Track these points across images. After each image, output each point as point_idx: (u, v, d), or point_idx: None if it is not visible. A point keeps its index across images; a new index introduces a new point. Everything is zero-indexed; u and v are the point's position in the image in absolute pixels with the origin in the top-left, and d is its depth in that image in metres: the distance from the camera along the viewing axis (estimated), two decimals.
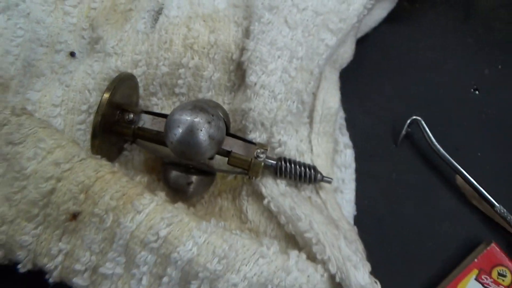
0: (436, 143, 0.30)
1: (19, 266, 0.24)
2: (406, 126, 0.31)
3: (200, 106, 0.25)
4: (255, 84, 0.29)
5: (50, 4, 0.32)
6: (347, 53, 0.32)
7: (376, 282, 0.23)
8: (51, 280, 0.25)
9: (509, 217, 0.29)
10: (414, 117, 0.31)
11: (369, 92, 0.33)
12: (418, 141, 0.32)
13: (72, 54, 0.32)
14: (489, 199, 0.29)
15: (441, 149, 0.30)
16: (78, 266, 0.24)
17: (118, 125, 0.27)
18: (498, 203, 0.29)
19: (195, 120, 0.24)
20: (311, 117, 0.30)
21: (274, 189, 0.27)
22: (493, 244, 0.29)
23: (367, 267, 0.23)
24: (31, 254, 0.24)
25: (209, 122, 0.25)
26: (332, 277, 0.23)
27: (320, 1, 0.30)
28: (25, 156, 0.24)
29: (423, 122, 0.31)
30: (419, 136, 0.32)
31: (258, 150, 0.27)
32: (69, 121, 0.29)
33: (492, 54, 0.34)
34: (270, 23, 0.30)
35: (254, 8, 0.30)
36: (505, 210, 0.29)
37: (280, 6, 0.30)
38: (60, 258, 0.24)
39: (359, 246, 0.25)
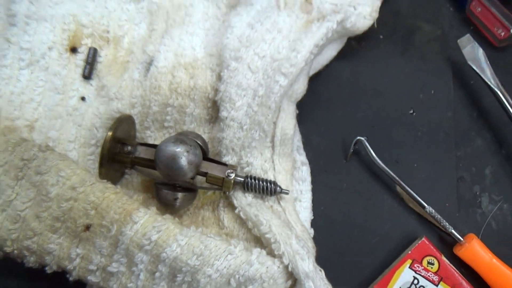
0: (377, 158, 0.37)
1: (47, 268, 0.32)
2: (352, 145, 0.38)
3: (181, 139, 0.33)
4: (226, 118, 0.36)
5: (64, 59, 0.40)
6: (300, 88, 0.39)
7: (320, 270, 0.30)
8: (71, 279, 0.32)
9: (436, 216, 0.36)
10: (358, 137, 0.38)
11: (323, 118, 0.40)
12: (364, 157, 0.39)
13: (83, 99, 0.39)
14: (421, 202, 0.36)
15: (381, 163, 0.37)
16: (91, 267, 0.31)
17: (119, 156, 0.35)
18: (428, 205, 0.36)
19: (176, 150, 0.32)
20: (272, 141, 0.37)
21: (243, 200, 0.35)
22: (423, 239, 0.35)
23: (312, 258, 0.30)
24: (55, 258, 0.32)
25: (187, 151, 0.32)
26: (285, 267, 0.30)
27: (275, 50, 0.38)
28: (49, 183, 0.32)
29: (365, 142, 0.37)
30: (365, 153, 0.38)
31: (229, 170, 0.34)
32: (81, 153, 0.37)
33: (426, 81, 0.41)
34: (236, 70, 0.37)
35: (223, 58, 0.38)
36: (433, 210, 0.36)
37: (244, 55, 0.37)
38: (77, 260, 0.31)
39: (309, 243, 0.32)
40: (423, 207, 0.36)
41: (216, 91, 0.38)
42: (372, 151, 0.37)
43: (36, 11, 0.41)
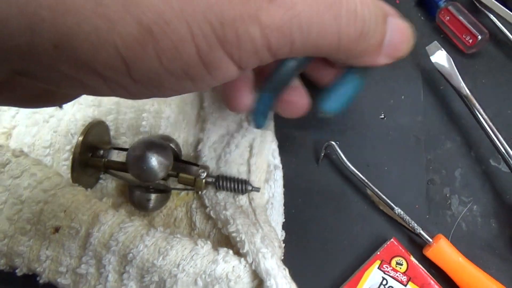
0: (347, 161, 0.38)
1: (17, 270, 0.32)
2: (323, 149, 0.39)
3: (151, 141, 0.34)
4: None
5: None
6: None
7: (284, 269, 0.30)
8: (41, 281, 0.32)
9: (405, 218, 0.36)
10: (329, 142, 0.39)
11: (295, 123, 0.41)
12: (335, 160, 0.40)
13: (60, 106, 0.40)
14: (390, 204, 0.37)
15: (351, 166, 0.38)
16: (61, 268, 0.32)
17: (92, 160, 0.35)
18: (398, 207, 0.37)
19: (146, 151, 0.33)
20: (251, 145, 0.38)
21: (214, 200, 0.35)
22: (392, 240, 0.36)
23: (276, 257, 0.31)
24: (25, 260, 0.32)
25: (157, 152, 0.33)
26: (251, 266, 0.31)
27: None
28: (22, 186, 0.32)
29: (336, 146, 0.38)
30: (336, 157, 0.39)
31: (200, 170, 0.35)
32: (56, 159, 0.38)
33: (396, 87, 0.42)
34: None
35: None
36: (402, 212, 0.36)
37: None
38: (47, 263, 0.32)
39: (275, 243, 0.33)
40: (392, 208, 0.37)
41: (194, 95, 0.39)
42: (342, 155, 0.38)
43: None
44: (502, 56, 0.44)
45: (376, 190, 0.37)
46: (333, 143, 0.38)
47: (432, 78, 0.43)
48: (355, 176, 0.38)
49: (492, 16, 0.45)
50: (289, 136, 0.41)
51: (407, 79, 0.43)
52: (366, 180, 0.37)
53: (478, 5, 0.46)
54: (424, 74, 0.43)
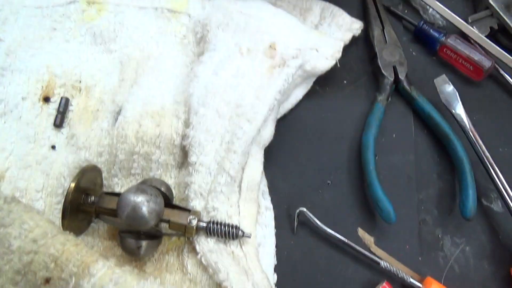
0: (323, 226, 0.38)
1: None
2: (296, 217, 0.38)
3: (141, 188, 0.34)
4: (195, 162, 0.37)
5: (37, 109, 0.42)
6: (268, 134, 0.40)
7: None
8: None
9: (393, 269, 0.36)
10: (300, 209, 0.38)
11: (287, 162, 0.41)
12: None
13: (53, 147, 0.41)
14: (375, 258, 0.37)
15: (327, 229, 0.38)
16: None
17: (83, 206, 0.36)
18: (383, 260, 0.37)
19: (137, 200, 0.33)
20: (239, 187, 0.38)
21: (205, 246, 0.35)
22: (384, 283, 0.36)
23: None
24: None
25: (148, 201, 0.33)
26: None
27: (240, 96, 0.39)
28: (12, 236, 0.32)
29: (308, 212, 0.38)
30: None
31: (191, 217, 0.35)
32: (48, 203, 0.38)
33: (387, 125, 0.42)
34: (204, 116, 0.38)
35: (191, 105, 0.39)
36: (388, 264, 0.36)
37: (211, 102, 0.39)
38: None
39: None
40: (378, 263, 0.36)
41: (183, 137, 0.39)
42: (316, 220, 0.38)
43: (12, 62, 0.42)
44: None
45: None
46: (304, 210, 0.38)
47: (423, 115, 0.43)
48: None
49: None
50: (280, 176, 0.41)
51: (398, 117, 0.43)
52: (347, 241, 0.37)
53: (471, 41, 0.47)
54: (415, 112, 0.44)
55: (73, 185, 0.34)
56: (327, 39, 0.44)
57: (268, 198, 0.39)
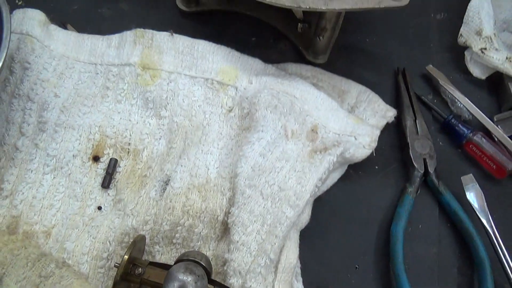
0: None
1: None
2: None
3: (190, 269, 0.36)
4: (237, 241, 0.39)
5: (87, 167, 0.44)
6: (305, 217, 0.43)
7: None
8: None
9: None
10: None
11: (320, 245, 0.43)
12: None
13: (99, 208, 0.42)
14: None
15: None
16: None
17: (130, 276, 0.37)
18: None
19: (185, 280, 0.35)
20: (276, 267, 0.40)
21: None
22: None
23: None
24: None
25: (196, 282, 0.35)
26: None
27: (283, 179, 0.42)
28: None
29: None
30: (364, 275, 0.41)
31: None
32: (93, 266, 0.39)
33: (414, 214, 0.45)
34: (249, 197, 0.41)
35: (238, 185, 0.41)
36: None
37: (257, 183, 0.41)
38: None
39: None
40: None
41: (227, 213, 0.41)
42: None
43: (66, 119, 0.44)
44: None
45: None
46: None
47: (449, 208, 0.46)
48: None
49: None
50: (314, 260, 0.43)
51: (425, 208, 0.46)
52: None
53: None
54: (441, 204, 0.46)
55: (126, 257, 0.36)
56: (364, 126, 0.46)
57: (300, 280, 0.41)
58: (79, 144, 0.44)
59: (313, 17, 0.49)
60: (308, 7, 0.41)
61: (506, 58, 0.52)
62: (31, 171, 0.42)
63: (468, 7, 0.56)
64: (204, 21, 0.56)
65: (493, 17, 0.55)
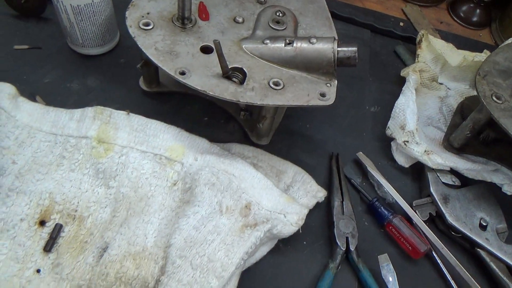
0: None
1: None
2: None
3: None
4: None
5: (32, 231, 0.47)
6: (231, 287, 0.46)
7: None
8: None
9: None
10: None
11: None
12: None
13: (38, 271, 0.45)
14: None
15: None
16: None
17: None
18: None
19: None
20: None
21: None
22: None
23: None
24: None
25: None
26: None
27: (212, 251, 0.46)
28: None
29: None
30: None
31: None
32: None
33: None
34: (179, 267, 0.44)
35: (169, 255, 0.45)
36: None
37: (187, 254, 0.45)
38: None
39: None
40: None
41: (157, 281, 0.44)
42: None
43: (19, 185, 0.48)
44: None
45: None
46: None
47: (366, 286, 0.50)
48: None
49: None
50: None
51: (345, 284, 0.50)
52: None
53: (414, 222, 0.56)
54: (360, 281, 0.51)
55: None
56: (294, 205, 0.52)
57: None
58: (28, 209, 0.47)
59: (254, 108, 0.57)
60: (246, 101, 0.48)
61: (425, 151, 0.59)
62: None
63: (395, 104, 0.64)
64: (163, 100, 0.63)
65: (417, 114, 0.63)
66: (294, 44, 0.52)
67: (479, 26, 0.90)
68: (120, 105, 0.56)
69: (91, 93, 0.61)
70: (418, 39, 0.75)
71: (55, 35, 0.65)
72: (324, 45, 0.52)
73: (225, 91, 0.48)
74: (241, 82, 0.50)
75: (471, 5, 0.89)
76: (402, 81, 0.69)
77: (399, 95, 0.65)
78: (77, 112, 0.54)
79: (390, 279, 0.49)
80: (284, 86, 0.50)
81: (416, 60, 0.73)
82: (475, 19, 0.89)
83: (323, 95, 0.51)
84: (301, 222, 0.50)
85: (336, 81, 0.53)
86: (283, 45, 0.52)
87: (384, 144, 0.65)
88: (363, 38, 0.80)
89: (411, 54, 0.78)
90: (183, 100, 0.63)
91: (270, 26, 0.55)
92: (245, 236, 0.47)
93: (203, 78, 0.49)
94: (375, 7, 0.88)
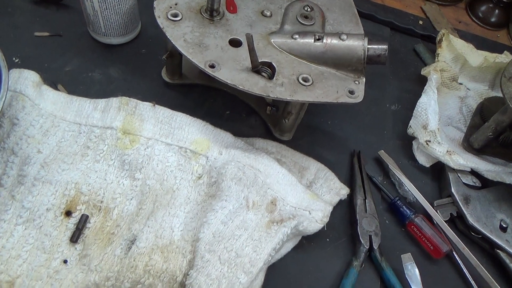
0: None
1: None
2: None
3: None
4: None
5: (58, 221, 0.46)
6: (258, 284, 0.46)
7: None
8: None
9: None
10: None
11: None
12: None
13: (65, 262, 0.45)
14: None
15: None
16: None
17: None
18: None
19: None
20: None
21: None
22: None
23: None
24: None
25: None
26: None
27: (240, 246, 0.45)
28: None
29: None
30: None
31: None
32: None
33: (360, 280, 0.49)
34: (208, 261, 0.44)
35: (198, 249, 0.45)
36: None
37: (216, 249, 0.45)
38: None
39: None
40: None
41: (185, 275, 0.44)
42: None
43: (45, 175, 0.48)
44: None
45: None
46: None
47: (389, 284, 0.50)
48: None
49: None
50: None
51: (368, 281, 0.50)
52: None
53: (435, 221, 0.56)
54: (383, 280, 0.51)
55: None
56: (319, 202, 0.52)
57: None
58: (54, 198, 0.47)
59: (281, 103, 0.56)
60: (275, 96, 0.48)
61: (447, 151, 0.59)
62: (4, 221, 0.45)
63: (417, 103, 0.64)
64: (185, 92, 0.62)
65: (438, 113, 0.63)
66: (324, 40, 0.51)
67: (497, 27, 0.89)
68: (142, 96, 0.55)
69: (113, 83, 0.61)
70: (438, 38, 0.75)
71: (75, 23, 0.64)
72: (355, 42, 0.51)
73: (255, 85, 0.48)
74: (270, 77, 0.50)
75: (490, 5, 0.89)
76: (421, 79, 0.69)
77: (418, 94, 0.65)
78: (102, 102, 0.54)
79: (414, 278, 0.49)
80: (313, 82, 0.50)
81: (436, 59, 0.73)
82: (493, 19, 0.89)
83: (351, 92, 0.51)
84: (326, 219, 0.50)
85: (364, 79, 0.52)
86: (313, 40, 0.52)
87: (404, 143, 0.64)
88: (383, 36, 0.79)
89: (430, 53, 0.78)
90: (205, 92, 0.63)
91: (299, 21, 0.55)
92: (272, 232, 0.47)
93: (233, 72, 0.49)
94: (395, 4, 0.87)
